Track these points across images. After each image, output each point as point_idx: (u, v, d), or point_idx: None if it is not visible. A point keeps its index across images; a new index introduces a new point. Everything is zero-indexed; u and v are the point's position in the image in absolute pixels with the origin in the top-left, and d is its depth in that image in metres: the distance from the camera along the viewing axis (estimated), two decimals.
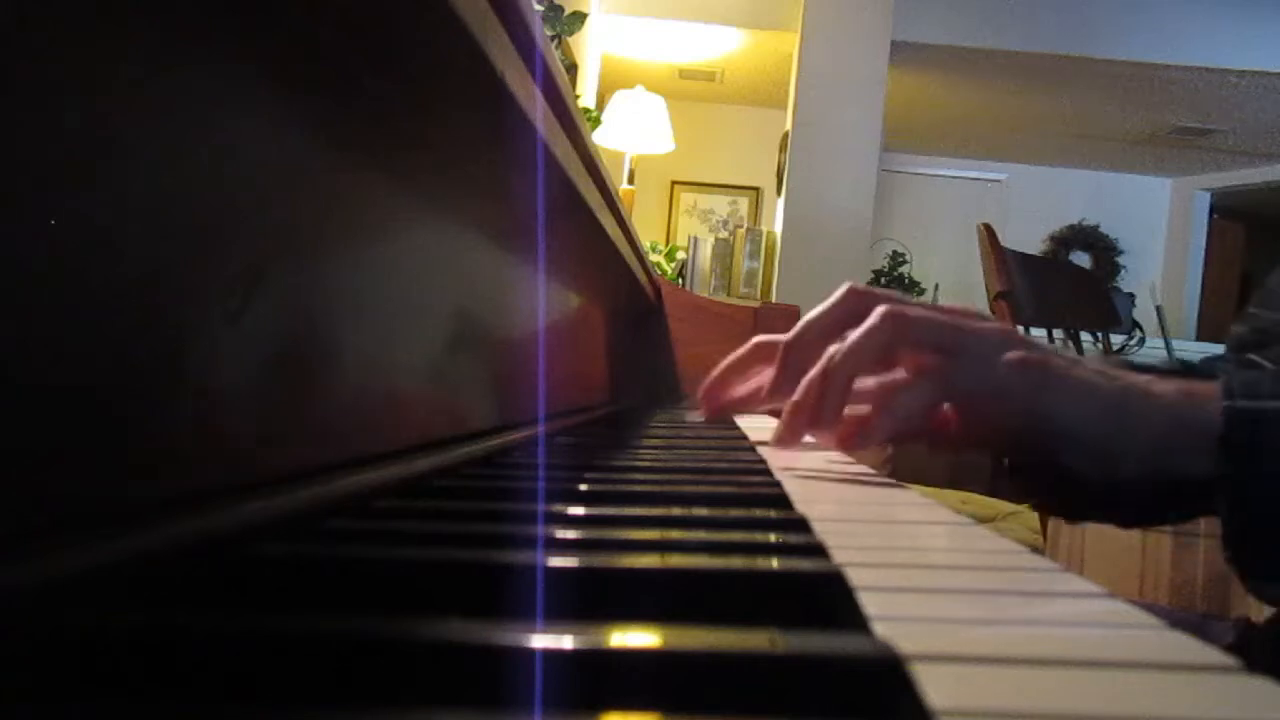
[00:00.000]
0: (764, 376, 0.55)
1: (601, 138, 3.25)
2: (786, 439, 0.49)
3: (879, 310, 0.47)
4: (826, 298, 0.51)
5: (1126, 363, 0.65)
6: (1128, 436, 0.44)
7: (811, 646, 0.16)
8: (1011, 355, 0.44)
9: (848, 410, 0.47)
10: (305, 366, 0.31)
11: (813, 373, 0.48)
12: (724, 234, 4.44)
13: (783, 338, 0.52)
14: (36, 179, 0.19)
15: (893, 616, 0.19)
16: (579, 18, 2.66)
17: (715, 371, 0.61)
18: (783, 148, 3.93)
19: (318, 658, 0.16)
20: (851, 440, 0.47)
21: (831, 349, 0.47)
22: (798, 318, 1.69)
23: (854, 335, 0.47)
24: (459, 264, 0.50)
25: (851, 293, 0.50)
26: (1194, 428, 0.43)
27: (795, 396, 0.48)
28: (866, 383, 0.50)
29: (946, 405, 0.47)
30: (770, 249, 3.82)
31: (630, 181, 3.48)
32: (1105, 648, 0.17)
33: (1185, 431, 0.43)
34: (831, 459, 0.55)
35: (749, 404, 0.60)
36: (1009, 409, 0.45)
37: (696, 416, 0.68)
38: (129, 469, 0.21)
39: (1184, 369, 0.64)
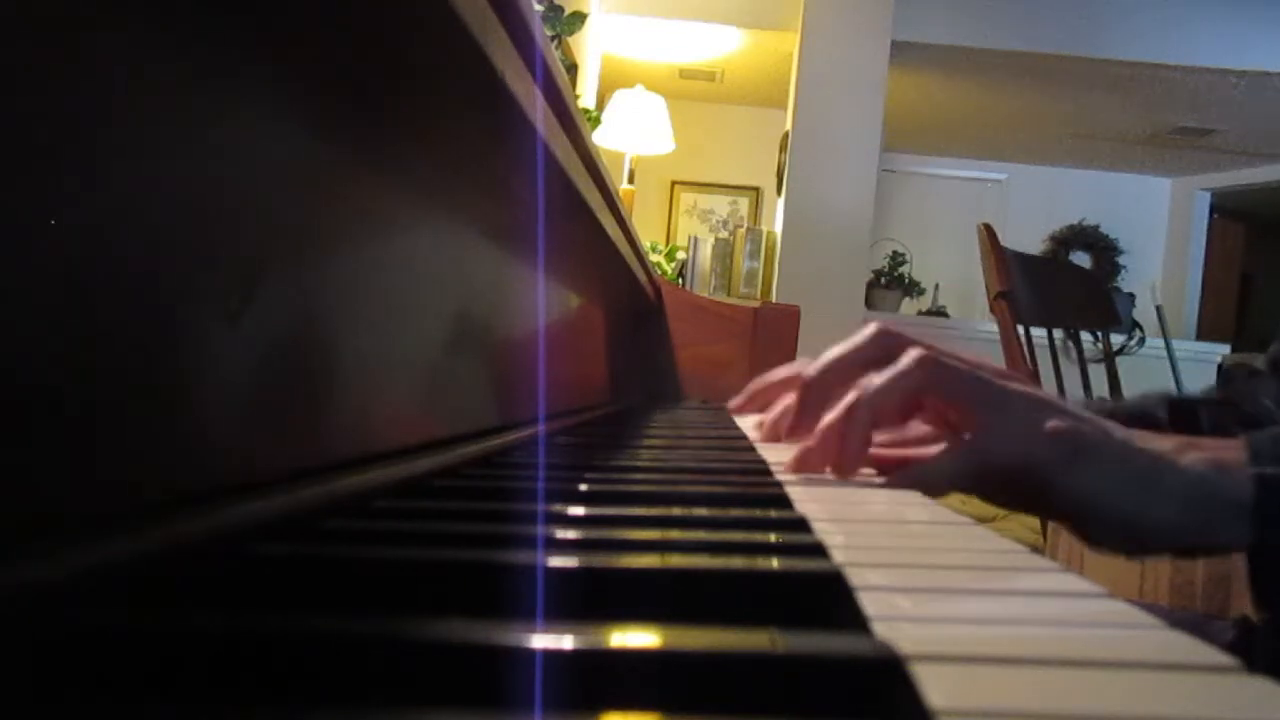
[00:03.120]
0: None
1: (601, 138, 3.24)
2: (798, 471, 0.46)
3: (913, 353, 0.44)
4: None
5: (1148, 415, 0.64)
6: (1157, 510, 0.43)
7: (811, 646, 0.16)
8: (1049, 424, 0.43)
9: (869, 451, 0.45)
10: (305, 366, 0.31)
11: (832, 415, 0.45)
12: (724, 234, 4.44)
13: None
14: (36, 179, 0.19)
15: (893, 616, 0.19)
16: (579, 18, 2.66)
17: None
18: (783, 148, 3.93)
19: (318, 658, 0.16)
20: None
21: (854, 390, 0.45)
22: (798, 318, 1.68)
23: (884, 376, 0.44)
24: (459, 264, 0.50)
25: (881, 332, 0.48)
26: (1225, 497, 0.43)
27: (811, 441, 0.45)
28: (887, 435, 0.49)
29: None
30: (770, 249, 3.82)
31: (630, 181, 3.48)
32: (1105, 648, 0.17)
33: (1216, 502, 0.43)
34: None
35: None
36: (1039, 480, 0.43)
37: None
38: (129, 469, 0.21)
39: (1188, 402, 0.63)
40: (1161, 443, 0.45)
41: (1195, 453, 0.45)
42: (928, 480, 0.44)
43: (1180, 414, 0.63)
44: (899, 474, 0.44)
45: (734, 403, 0.66)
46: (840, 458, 0.44)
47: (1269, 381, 0.65)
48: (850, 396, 0.45)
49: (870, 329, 0.48)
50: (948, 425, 0.47)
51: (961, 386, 0.44)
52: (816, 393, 0.48)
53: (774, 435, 0.62)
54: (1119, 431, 0.45)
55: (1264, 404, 0.62)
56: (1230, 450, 0.44)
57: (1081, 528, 0.46)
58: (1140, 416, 0.63)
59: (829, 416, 0.45)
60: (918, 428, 0.51)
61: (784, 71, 4.11)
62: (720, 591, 0.21)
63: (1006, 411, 0.44)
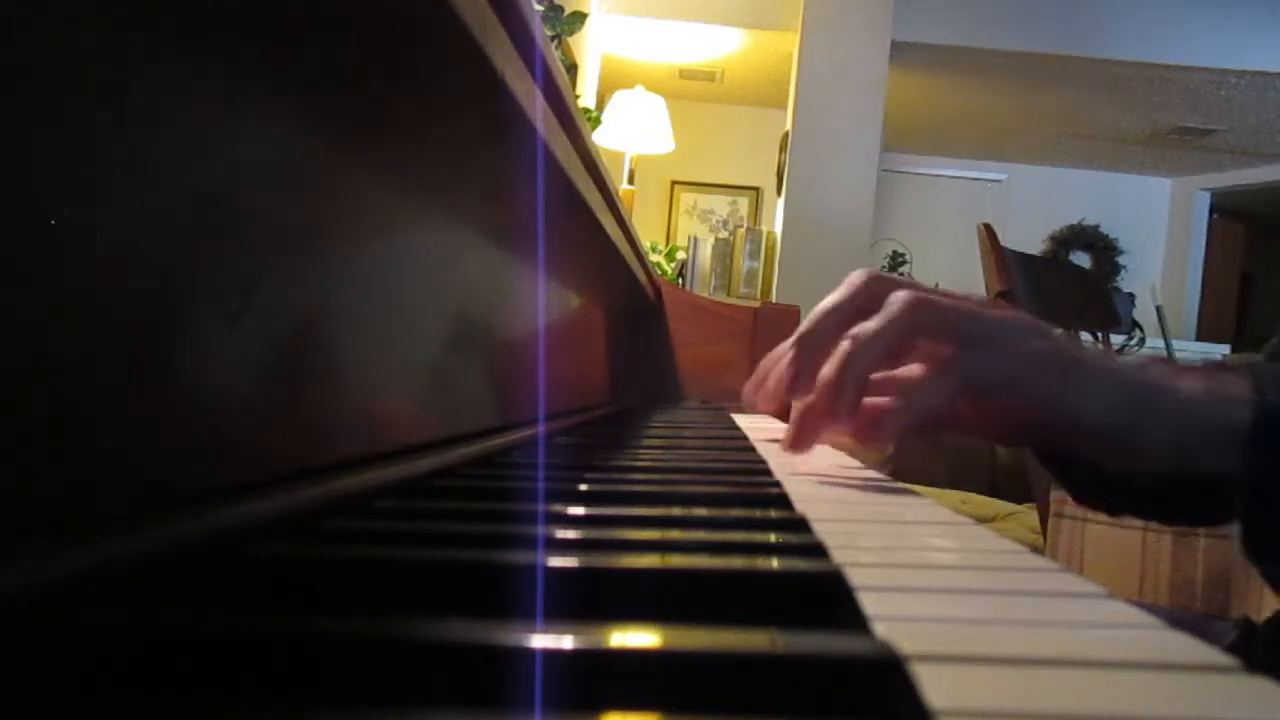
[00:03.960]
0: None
1: (601, 138, 3.24)
2: (799, 442, 0.46)
3: (900, 296, 0.44)
4: (832, 292, 0.48)
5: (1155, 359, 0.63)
6: (1151, 430, 0.42)
7: (811, 646, 0.16)
8: (1036, 342, 0.43)
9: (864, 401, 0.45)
10: (305, 367, 0.31)
11: (827, 369, 0.45)
12: (724, 234, 4.44)
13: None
14: (37, 179, 0.19)
15: (893, 616, 0.19)
16: (579, 18, 2.66)
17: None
18: (783, 148, 3.93)
19: (318, 658, 0.16)
20: (867, 434, 0.44)
21: (847, 340, 0.44)
22: (798, 318, 1.68)
23: (873, 321, 0.44)
24: (459, 264, 0.50)
25: (868, 279, 0.47)
26: (1221, 423, 0.42)
27: (810, 397, 0.45)
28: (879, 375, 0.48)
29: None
30: (770, 249, 3.82)
31: (630, 181, 3.48)
32: (1105, 648, 0.17)
33: (1212, 427, 0.42)
34: (833, 460, 0.55)
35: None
36: (1030, 399, 0.43)
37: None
38: (129, 469, 0.21)
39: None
40: (1157, 368, 0.45)
41: (1192, 378, 0.44)
42: (916, 404, 0.43)
43: None
44: (890, 408, 0.44)
45: (745, 392, 0.65)
46: (837, 407, 0.44)
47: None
48: (844, 346, 0.45)
49: (857, 275, 0.48)
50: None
51: (951, 323, 0.44)
52: (811, 347, 0.47)
53: (774, 398, 0.61)
54: (1112, 357, 0.45)
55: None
56: (1228, 379, 0.44)
57: (1071, 448, 0.45)
58: None
59: (825, 369, 0.45)
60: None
61: (784, 71, 4.11)
62: (720, 591, 0.21)
63: (994, 334, 0.43)
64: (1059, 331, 0.45)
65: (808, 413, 0.45)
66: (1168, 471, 0.44)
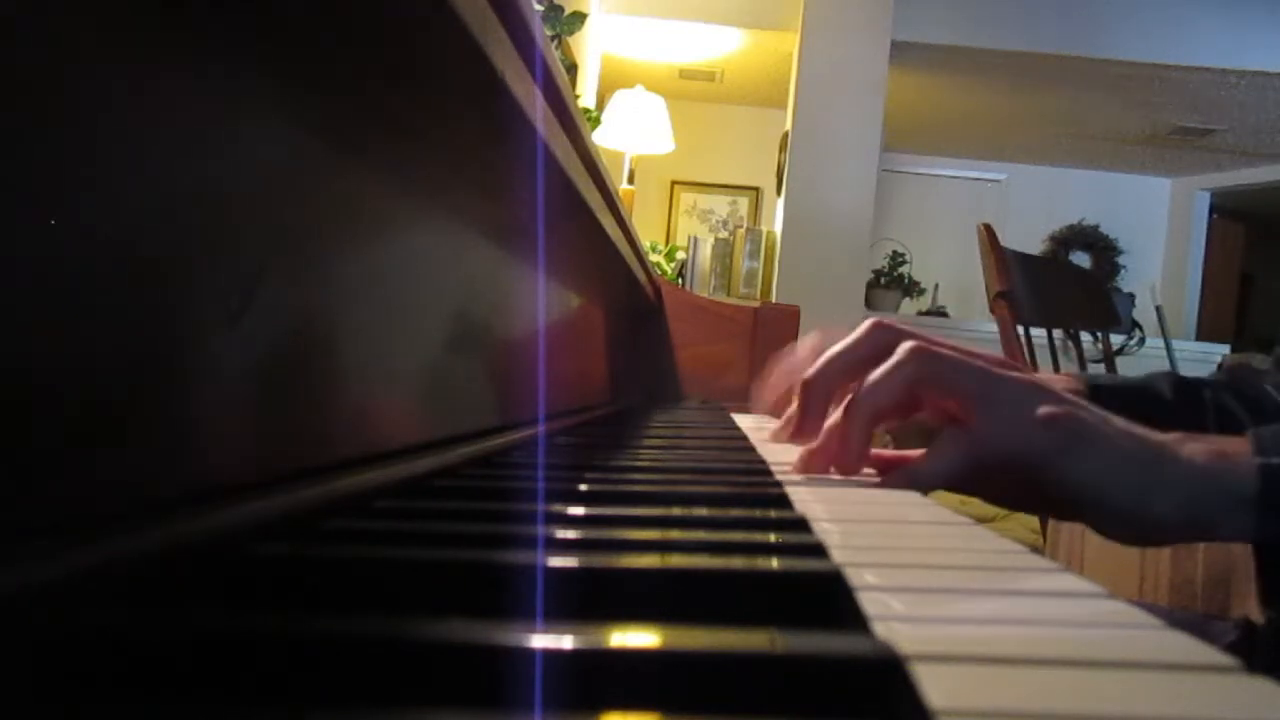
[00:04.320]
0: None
1: (601, 138, 3.24)
2: (804, 473, 0.47)
3: (905, 346, 0.44)
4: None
5: (1144, 388, 0.63)
6: (1158, 499, 0.42)
7: (811, 646, 0.16)
8: (1043, 411, 0.42)
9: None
10: (305, 367, 0.31)
11: (834, 417, 0.46)
12: (724, 234, 4.44)
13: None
14: (37, 179, 0.19)
15: (892, 616, 0.19)
16: (579, 18, 2.66)
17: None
18: (783, 148, 3.93)
19: (318, 658, 0.16)
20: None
21: (853, 390, 0.45)
22: (798, 318, 1.67)
23: (878, 371, 0.44)
24: (459, 264, 0.50)
25: (876, 327, 0.48)
26: (1227, 488, 0.42)
27: (816, 443, 0.46)
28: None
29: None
30: (770, 249, 3.82)
31: (630, 181, 3.48)
32: (1105, 648, 0.17)
33: (1218, 493, 0.42)
34: None
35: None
36: (1037, 469, 0.42)
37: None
38: (129, 469, 0.21)
39: (1188, 384, 0.62)
40: (1162, 434, 0.45)
41: (1197, 444, 0.44)
42: (922, 479, 0.43)
43: (1184, 390, 0.62)
44: (894, 474, 0.44)
45: (754, 396, 0.65)
46: (843, 458, 0.45)
47: (1273, 375, 0.65)
48: (850, 395, 0.45)
49: (866, 324, 0.48)
50: (948, 419, 0.46)
51: (955, 376, 0.44)
52: (816, 393, 0.48)
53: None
54: (1118, 421, 0.44)
55: (1266, 389, 0.62)
56: (1232, 444, 0.44)
57: (1078, 516, 0.45)
58: (1145, 388, 0.62)
59: (830, 418, 0.46)
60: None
61: (784, 71, 4.11)
62: (720, 591, 0.21)
63: (1001, 400, 0.43)
64: (1067, 394, 0.44)
65: (812, 458, 0.46)
66: (1173, 535, 0.44)
